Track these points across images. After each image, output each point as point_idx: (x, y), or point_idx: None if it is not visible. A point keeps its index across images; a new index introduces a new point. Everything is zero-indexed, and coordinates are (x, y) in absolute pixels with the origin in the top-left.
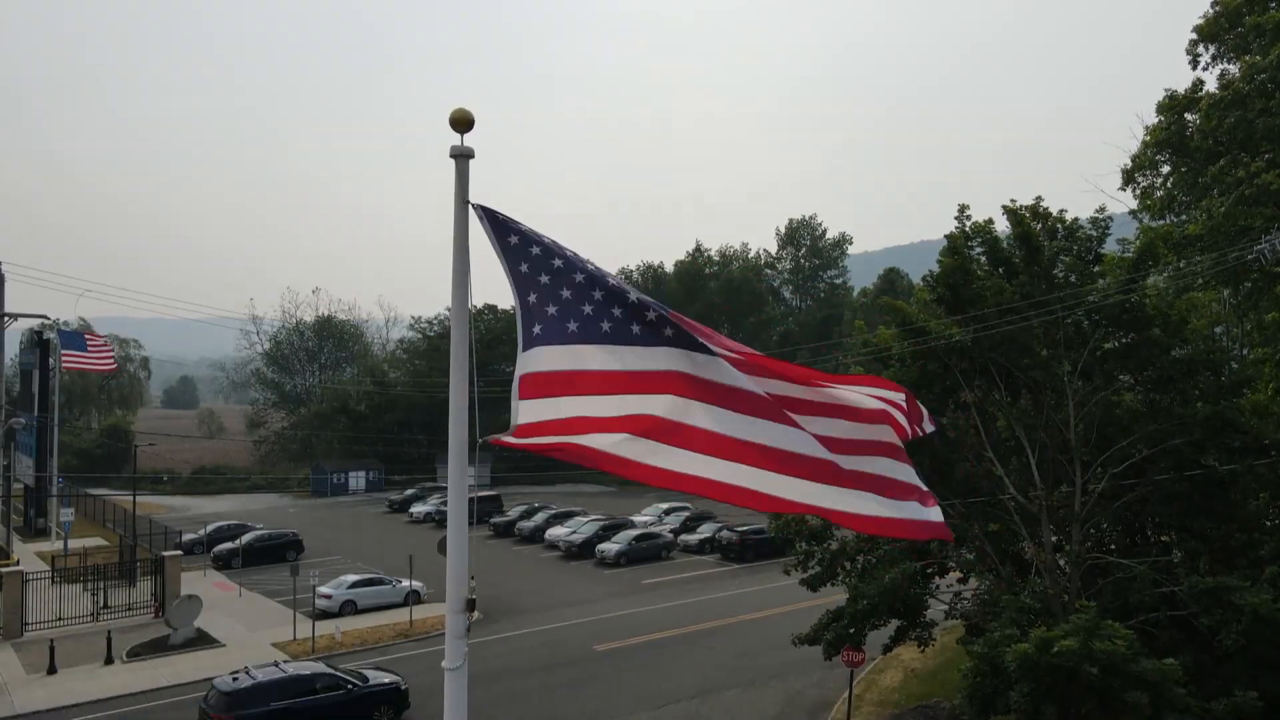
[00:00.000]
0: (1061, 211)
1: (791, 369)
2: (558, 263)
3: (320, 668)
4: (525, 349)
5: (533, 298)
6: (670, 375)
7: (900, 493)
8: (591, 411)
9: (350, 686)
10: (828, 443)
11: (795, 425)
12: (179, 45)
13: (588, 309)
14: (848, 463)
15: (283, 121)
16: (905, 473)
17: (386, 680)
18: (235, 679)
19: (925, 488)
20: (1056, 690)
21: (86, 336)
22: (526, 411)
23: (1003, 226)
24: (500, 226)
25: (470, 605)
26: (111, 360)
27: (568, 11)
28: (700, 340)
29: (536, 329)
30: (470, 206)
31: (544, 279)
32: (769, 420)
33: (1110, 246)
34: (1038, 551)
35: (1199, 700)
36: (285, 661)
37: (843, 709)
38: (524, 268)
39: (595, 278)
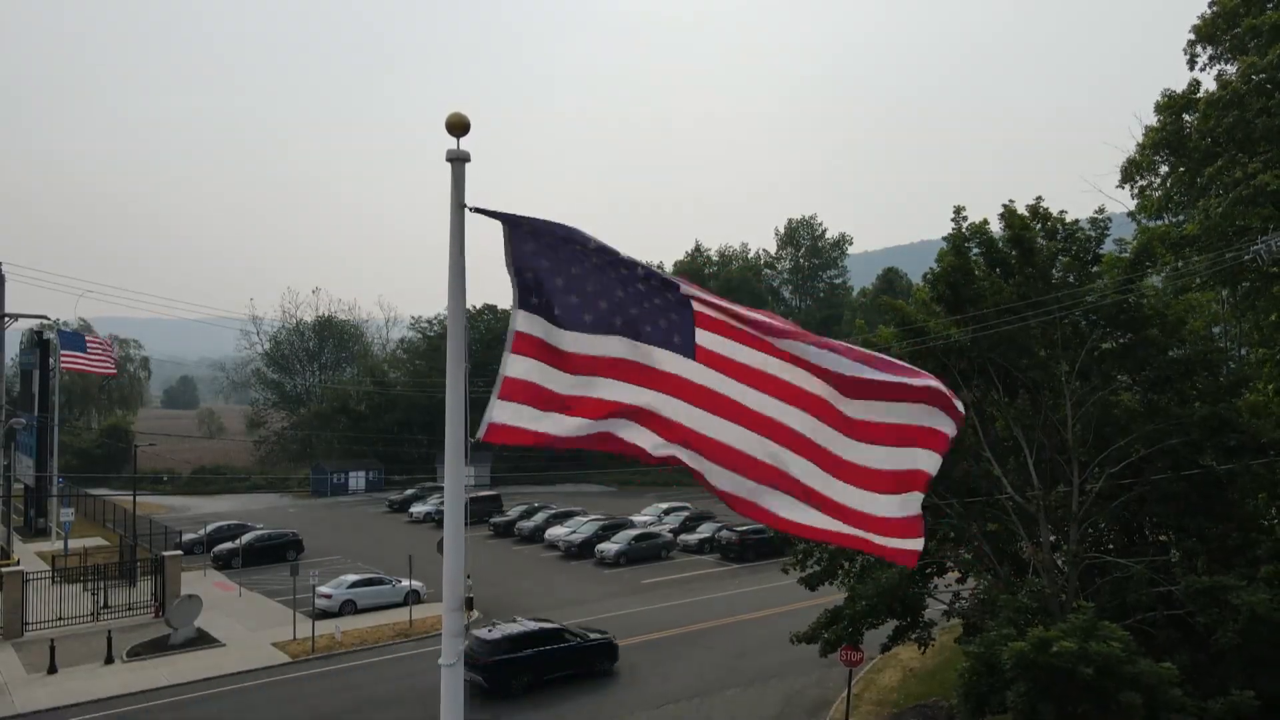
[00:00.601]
0: (1061, 212)
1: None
2: (574, 270)
3: (551, 624)
4: (519, 306)
5: (529, 275)
6: (668, 376)
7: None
8: (588, 392)
9: (577, 640)
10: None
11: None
12: (179, 45)
13: (603, 305)
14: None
15: (283, 121)
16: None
17: (602, 635)
18: (490, 630)
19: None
20: (1053, 690)
21: (88, 338)
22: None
23: (1000, 227)
24: (506, 221)
25: (468, 603)
26: (111, 363)
27: (568, 11)
28: (688, 340)
29: (533, 300)
30: (469, 210)
31: (557, 280)
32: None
33: (1109, 247)
34: (1035, 551)
35: (1195, 700)
36: (521, 619)
37: (841, 708)
38: (529, 246)
39: (608, 288)
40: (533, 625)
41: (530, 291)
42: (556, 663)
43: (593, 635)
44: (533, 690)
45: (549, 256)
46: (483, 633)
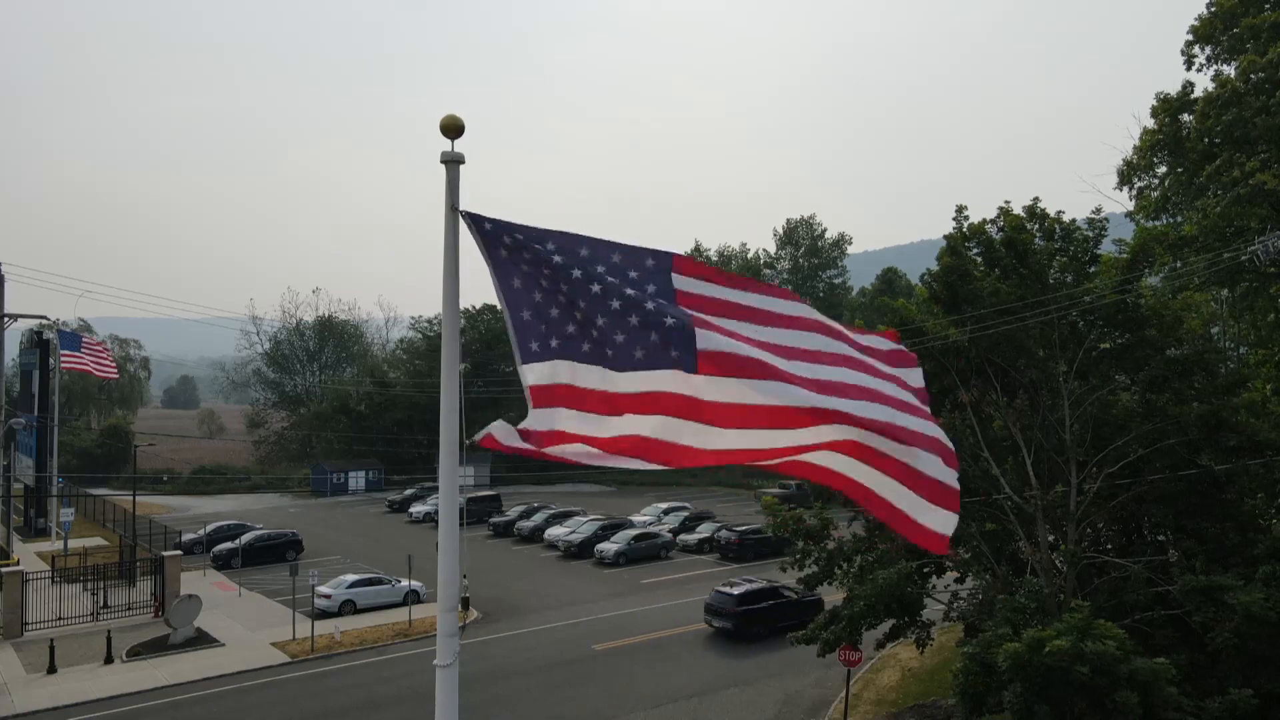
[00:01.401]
0: (1059, 213)
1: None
2: (549, 275)
3: (771, 584)
4: (523, 362)
5: (526, 314)
6: (665, 395)
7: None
8: (587, 428)
9: (796, 596)
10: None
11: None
12: (179, 45)
13: (575, 327)
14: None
15: (283, 121)
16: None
17: (813, 594)
18: (731, 587)
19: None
20: (1049, 690)
21: (87, 341)
22: (532, 419)
23: (996, 229)
24: (490, 237)
25: (464, 604)
26: (113, 368)
27: (573, 11)
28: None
29: (534, 345)
30: (459, 215)
31: (537, 296)
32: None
33: (1107, 247)
34: (1033, 551)
35: (1193, 699)
36: (748, 578)
37: (840, 708)
38: (516, 283)
39: (593, 295)
40: (762, 583)
41: (531, 336)
42: (784, 615)
43: (805, 595)
44: (767, 637)
45: (538, 286)
46: (725, 589)
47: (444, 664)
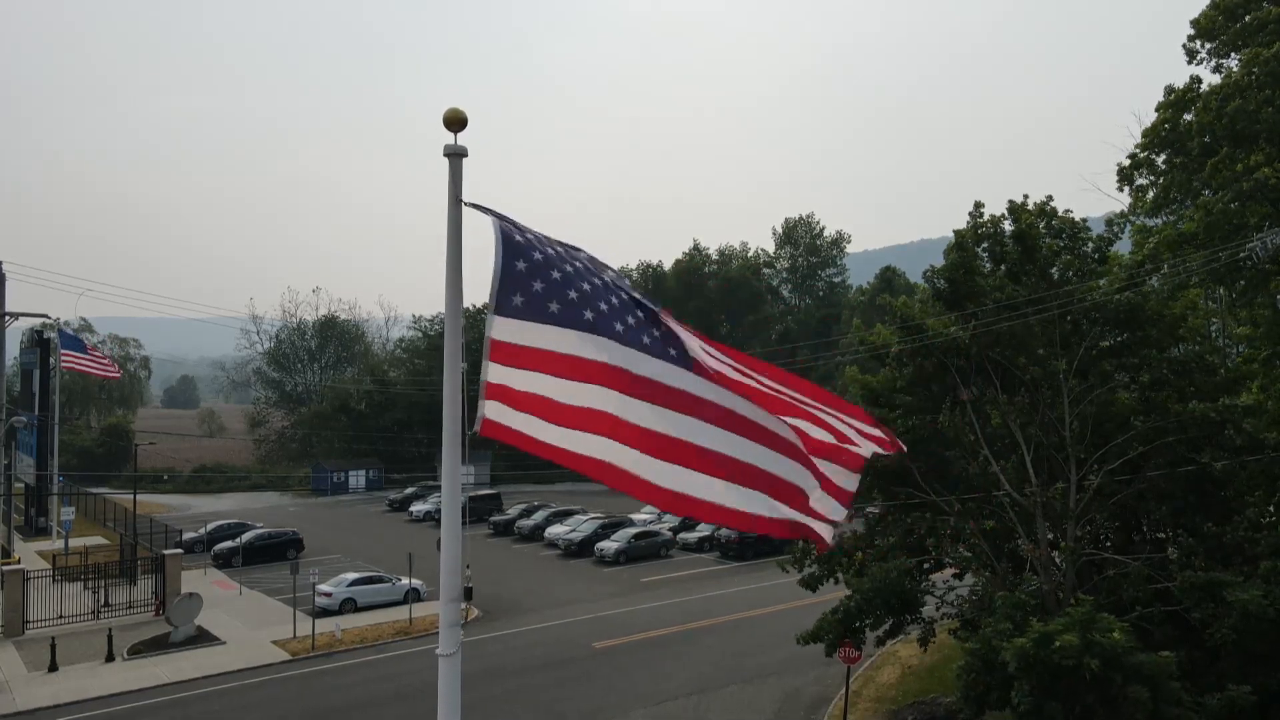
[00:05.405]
0: (1067, 211)
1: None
2: (568, 268)
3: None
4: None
5: (520, 296)
6: (624, 374)
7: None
8: (556, 396)
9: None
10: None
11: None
12: (180, 43)
13: (576, 294)
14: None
15: (283, 120)
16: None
17: None
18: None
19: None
20: (1058, 686)
21: (89, 347)
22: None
23: (1010, 225)
24: (506, 225)
25: (467, 594)
26: (115, 368)
27: (574, 10)
28: (683, 352)
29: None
30: (466, 206)
31: (538, 285)
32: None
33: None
34: (1032, 548)
35: (1193, 695)
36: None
37: (840, 705)
38: (520, 265)
39: (602, 291)
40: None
41: (516, 290)
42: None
43: None
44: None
45: (543, 253)
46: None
47: (447, 653)
